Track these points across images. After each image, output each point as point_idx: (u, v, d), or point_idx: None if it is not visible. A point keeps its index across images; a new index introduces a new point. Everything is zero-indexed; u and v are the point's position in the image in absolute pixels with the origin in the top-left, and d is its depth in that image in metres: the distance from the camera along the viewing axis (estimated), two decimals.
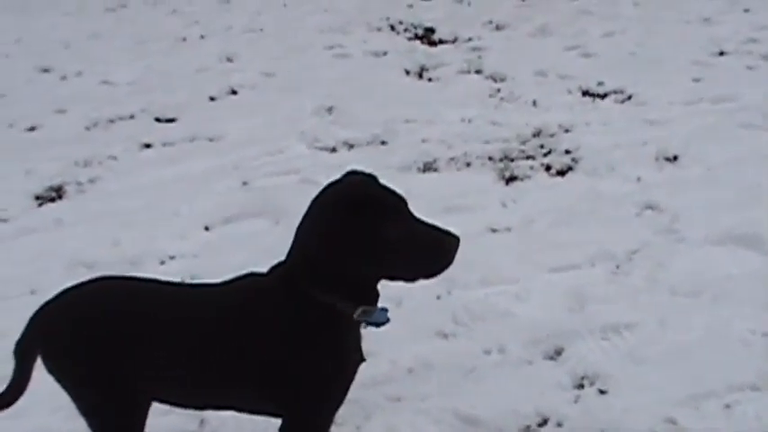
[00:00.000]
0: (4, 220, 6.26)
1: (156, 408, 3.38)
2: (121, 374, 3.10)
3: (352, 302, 2.97)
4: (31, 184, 6.77)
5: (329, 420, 3.20)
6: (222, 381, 3.09)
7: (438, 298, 4.79)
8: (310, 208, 2.96)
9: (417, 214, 2.93)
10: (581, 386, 4.09)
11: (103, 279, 3.29)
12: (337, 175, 3.01)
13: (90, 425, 3.26)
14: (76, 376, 3.17)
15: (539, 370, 4.22)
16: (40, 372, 3.22)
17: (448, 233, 2.93)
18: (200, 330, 3.06)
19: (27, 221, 6.22)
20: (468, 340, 4.46)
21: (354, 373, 3.19)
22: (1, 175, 6.96)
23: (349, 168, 3.10)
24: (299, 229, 2.98)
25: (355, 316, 3.00)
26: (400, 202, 2.93)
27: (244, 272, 3.19)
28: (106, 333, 3.07)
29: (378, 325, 3.13)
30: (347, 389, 3.17)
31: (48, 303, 3.19)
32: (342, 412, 3.90)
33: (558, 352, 4.31)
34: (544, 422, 3.91)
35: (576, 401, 4.00)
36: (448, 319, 4.61)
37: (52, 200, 6.57)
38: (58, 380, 3.20)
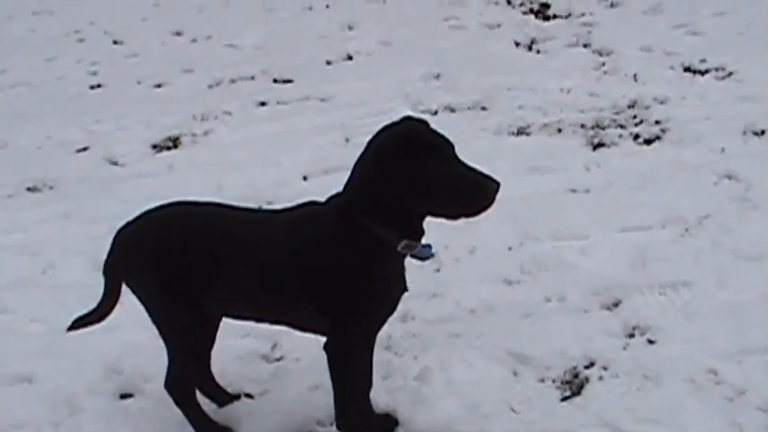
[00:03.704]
0: (122, 165, 6.72)
1: (232, 330, 3.75)
2: (193, 290, 3.45)
3: (397, 235, 3.26)
4: (150, 134, 7.25)
5: (369, 338, 3.51)
6: (280, 296, 3.42)
7: (509, 249, 5.03)
8: (367, 146, 3.27)
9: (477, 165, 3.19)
10: (631, 335, 4.27)
11: (179, 204, 3.64)
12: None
13: (164, 337, 3.63)
14: (151, 291, 3.53)
15: (593, 318, 4.41)
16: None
17: (489, 177, 3.20)
18: (264, 251, 3.39)
19: (142, 167, 6.69)
20: (531, 288, 4.69)
21: (397, 300, 3.49)
22: (124, 126, 7.47)
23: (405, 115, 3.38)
24: (356, 163, 3.30)
25: (399, 247, 3.29)
26: (448, 145, 3.22)
27: (305, 200, 3.53)
28: (180, 251, 3.43)
29: (422, 259, 3.42)
30: (388, 313, 3.47)
31: (128, 224, 3.57)
32: (402, 344, 4.26)
33: (615, 304, 4.48)
34: (591, 365, 4.11)
35: (624, 348, 4.18)
36: (515, 267, 4.83)
37: (168, 148, 7.02)
38: (137, 295, 3.58)
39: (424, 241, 3.38)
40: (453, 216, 3.27)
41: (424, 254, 3.41)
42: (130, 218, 3.60)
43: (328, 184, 5.81)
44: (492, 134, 6.52)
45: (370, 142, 3.28)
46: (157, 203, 3.64)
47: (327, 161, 6.25)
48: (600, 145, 6.19)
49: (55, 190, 6.51)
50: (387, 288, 3.41)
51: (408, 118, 3.35)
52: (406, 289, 3.52)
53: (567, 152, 6.11)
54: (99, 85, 8.87)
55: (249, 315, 3.61)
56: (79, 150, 7.15)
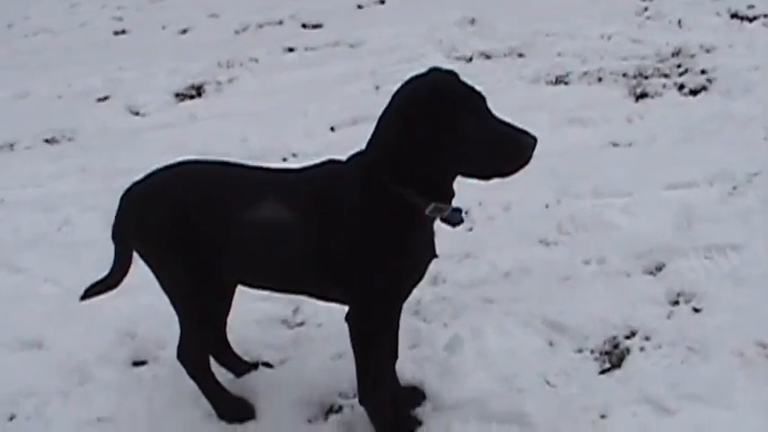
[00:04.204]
0: (143, 115, 6.54)
1: (251, 294, 3.52)
2: (203, 256, 3.22)
3: (425, 197, 2.99)
4: (173, 82, 7.07)
5: (394, 310, 3.27)
6: (296, 264, 3.18)
7: (546, 207, 4.78)
8: (392, 100, 2.99)
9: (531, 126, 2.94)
10: (676, 302, 4.01)
11: (190, 162, 3.40)
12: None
13: (174, 306, 3.42)
14: (159, 257, 3.32)
15: (635, 283, 4.15)
16: None
17: (525, 132, 2.90)
18: (280, 214, 3.14)
19: (164, 117, 6.51)
20: (570, 249, 4.43)
21: (425, 268, 3.23)
22: (147, 73, 7.30)
23: (431, 66, 3.09)
24: (380, 119, 3.02)
25: (427, 211, 3.02)
26: (479, 98, 2.92)
27: (325, 158, 3.26)
28: (189, 214, 3.19)
29: (452, 224, 3.14)
30: (415, 281, 3.21)
31: (135, 185, 3.33)
32: (433, 308, 4.02)
33: (659, 267, 4.22)
34: (632, 334, 3.85)
35: (668, 317, 3.92)
36: (552, 227, 4.58)
37: (191, 97, 6.84)
38: (145, 261, 3.36)
39: (454, 203, 3.11)
40: (486, 176, 2.98)
41: (455, 218, 3.14)
42: (138, 178, 3.36)
43: (357, 136, 5.60)
44: (529, 83, 6.29)
45: (394, 96, 3.00)
46: (171, 161, 3.41)
47: (356, 111, 6.03)
48: (643, 95, 5.92)
49: (74, 141, 6.36)
50: (414, 255, 3.15)
51: (435, 69, 3.06)
52: (435, 255, 3.26)
53: (607, 103, 5.84)
54: (123, 32, 8.72)
55: (265, 284, 3.39)
56: (100, 100, 7.01)
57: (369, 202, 3.03)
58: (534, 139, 2.90)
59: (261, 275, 3.33)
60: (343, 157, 3.18)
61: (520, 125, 2.93)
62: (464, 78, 3.00)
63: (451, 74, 3.01)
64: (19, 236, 5.11)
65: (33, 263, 4.82)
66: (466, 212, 3.23)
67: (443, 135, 2.85)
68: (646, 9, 7.36)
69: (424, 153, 2.88)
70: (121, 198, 3.35)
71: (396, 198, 2.99)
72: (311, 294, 3.37)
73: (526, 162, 2.93)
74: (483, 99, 2.93)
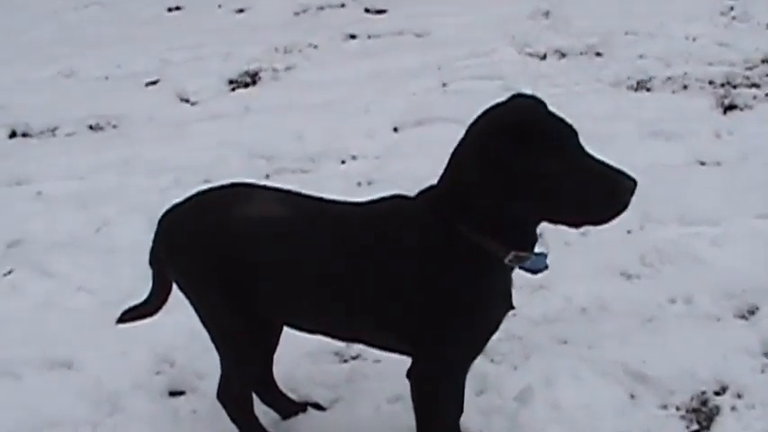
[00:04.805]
0: (193, 104, 6.29)
1: None
2: (247, 293, 2.89)
3: (504, 245, 2.63)
4: (227, 67, 6.80)
5: (463, 368, 2.91)
6: (354, 309, 2.84)
7: (628, 232, 4.40)
8: (468, 132, 2.62)
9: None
10: None
11: (239, 185, 3.06)
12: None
13: (214, 341, 3.11)
14: (198, 291, 3.00)
15: (726, 329, 3.77)
16: None
17: (623, 173, 2.54)
18: (334, 255, 2.81)
19: (215, 106, 6.23)
20: (654, 284, 4.06)
21: (500, 321, 2.87)
22: (201, 56, 7.08)
23: (516, 92, 2.75)
24: (453, 153, 2.65)
25: (506, 260, 2.65)
26: (570, 131, 2.55)
27: (390, 193, 2.90)
28: (232, 247, 2.85)
29: (534, 272, 2.78)
30: (488, 337, 2.85)
31: (175, 206, 3.01)
32: (502, 348, 3.67)
33: (752, 311, 3.85)
34: (722, 390, 3.48)
35: (762, 371, 3.55)
36: (635, 258, 4.21)
37: (246, 85, 6.57)
38: (183, 292, 3.05)
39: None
40: (576, 223, 2.64)
41: (538, 265, 2.78)
42: (179, 199, 3.04)
43: (421, 139, 5.40)
44: (609, 86, 5.93)
45: (471, 126, 2.62)
46: (210, 185, 3.11)
47: (421, 111, 5.73)
48: (731, 107, 5.55)
49: (119, 129, 6.09)
50: (487, 309, 2.79)
51: (518, 95, 2.69)
52: (511, 307, 2.88)
53: (694, 114, 5.46)
54: (177, 8, 8.44)
55: (317, 329, 3.04)
56: (149, 84, 6.74)
57: (438, 247, 2.67)
58: (634, 182, 2.54)
59: (314, 321, 3.00)
60: (411, 193, 2.83)
61: (617, 165, 2.56)
62: (552, 108, 2.63)
63: (537, 101, 2.64)
64: (54, 235, 4.82)
65: (67, 268, 4.51)
66: (548, 265, 2.81)
67: (527, 177, 2.47)
68: (731, 8, 6.98)
69: (504, 197, 2.51)
70: (159, 221, 3.03)
71: (469, 244, 2.62)
72: (369, 343, 3.03)
73: (623, 209, 2.57)
74: (575, 133, 2.56)
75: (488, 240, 2.61)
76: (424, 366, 2.84)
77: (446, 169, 2.67)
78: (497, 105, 2.63)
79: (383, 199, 2.87)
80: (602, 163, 2.54)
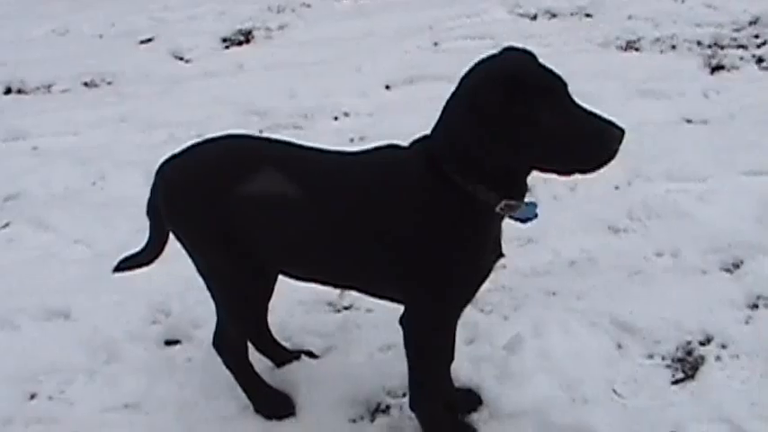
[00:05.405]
0: (187, 61, 6.33)
1: None
2: (243, 242, 2.94)
3: (495, 193, 2.68)
4: (221, 26, 6.84)
5: (454, 315, 2.97)
6: (350, 256, 2.90)
7: (616, 188, 4.48)
8: (460, 84, 2.67)
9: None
10: (755, 306, 3.70)
11: (234, 137, 3.12)
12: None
13: (211, 291, 3.16)
14: (195, 240, 3.05)
15: (711, 282, 3.84)
16: None
17: (611, 123, 2.60)
18: (331, 204, 2.86)
19: (209, 64, 6.27)
20: (641, 239, 4.13)
21: (490, 269, 2.93)
22: (195, 14, 7.13)
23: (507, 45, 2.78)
24: (446, 104, 2.70)
25: (498, 208, 2.71)
26: (560, 84, 2.60)
27: (384, 143, 2.94)
28: (229, 196, 2.90)
29: (523, 221, 2.84)
30: (479, 284, 2.92)
31: (172, 157, 3.05)
32: (492, 299, 3.74)
33: (737, 264, 3.92)
34: (707, 341, 3.55)
35: (746, 322, 3.62)
36: (623, 212, 4.28)
37: (239, 44, 6.62)
38: (180, 241, 3.09)
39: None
40: (566, 171, 2.70)
41: (527, 214, 2.83)
42: (177, 150, 3.07)
43: (413, 96, 5.43)
44: (598, 47, 6.00)
45: (463, 79, 2.67)
46: (207, 136, 3.12)
47: (413, 68, 5.79)
48: (719, 67, 5.61)
49: (113, 86, 6.14)
50: (479, 257, 2.84)
51: (509, 49, 2.74)
52: (501, 255, 2.95)
53: (682, 74, 5.53)
54: None
55: (311, 276, 3.10)
56: (143, 41, 6.80)
57: (432, 196, 2.72)
58: (622, 132, 2.61)
59: (309, 269, 3.06)
60: (404, 142, 2.87)
61: (605, 115, 2.63)
62: (542, 61, 2.68)
63: (528, 55, 2.69)
64: (50, 189, 4.88)
65: (64, 221, 4.56)
66: (537, 214, 2.87)
67: (519, 127, 2.53)
68: None
69: (497, 146, 2.56)
70: (156, 173, 3.07)
71: (462, 192, 2.68)
72: (362, 290, 3.08)
73: (611, 157, 2.64)
74: (564, 85, 2.61)
75: (481, 189, 2.66)
76: (416, 313, 2.90)
77: (439, 120, 2.72)
78: (489, 58, 2.68)
79: (378, 149, 2.92)
80: (592, 113, 2.61)
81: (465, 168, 2.64)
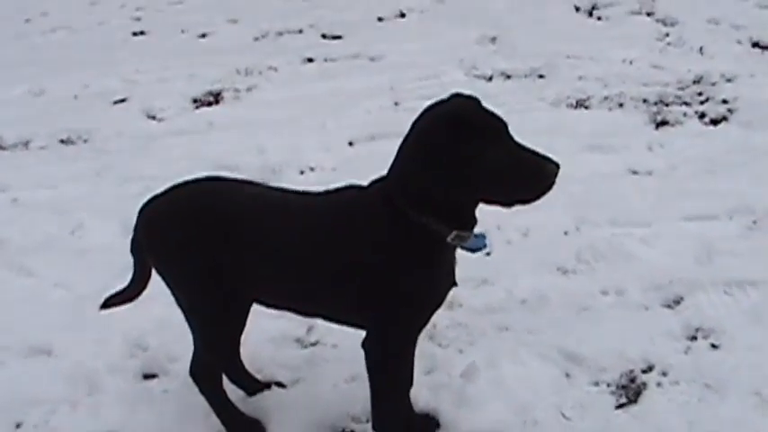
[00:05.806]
0: (159, 120, 6.50)
1: (265, 311, 3.43)
2: (221, 276, 3.16)
3: (446, 225, 2.95)
4: (192, 87, 7.03)
5: (412, 338, 3.21)
6: (315, 286, 3.14)
7: (565, 233, 4.74)
8: (412, 127, 2.95)
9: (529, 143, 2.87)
10: (693, 338, 3.95)
11: (211, 179, 3.35)
12: (487, 104, 2.96)
13: (189, 323, 3.36)
14: (176, 275, 3.26)
15: (653, 316, 4.10)
16: None
17: (548, 159, 2.87)
18: (299, 239, 3.10)
19: (181, 123, 6.46)
20: (588, 279, 4.38)
21: (444, 295, 3.18)
22: (166, 77, 7.27)
23: (453, 91, 3.04)
24: (400, 146, 2.98)
25: (449, 239, 2.97)
26: (501, 124, 2.88)
27: (345, 183, 3.21)
28: (208, 234, 3.13)
29: (473, 251, 3.09)
30: (434, 310, 3.17)
31: (154, 198, 3.28)
32: (448, 334, 3.98)
33: (677, 301, 4.17)
34: (649, 369, 3.80)
35: (685, 352, 3.87)
36: (571, 255, 4.52)
37: (209, 104, 6.80)
38: (161, 276, 3.30)
39: (476, 230, 3.07)
40: (508, 203, 2.95)
41: (477, 244, 3.09)
42: (158, 191, 3.31)
43: (374, 152, 5.69)
44: (550, 105, 6.25)
45: (414, 123, 2.96)
46: (188, 169, 3.35)
47: (375, 126, 6.00)
48: (663, 123, 5.89)
49: (89, 144, 6.30)
50: (434, 284, 3.11)
51: (456, 95, 3.01)
52: (454, 284, 3.21)
53: (628, 129, 5.81)
54: (142, 32, 8.70)
55: (282, 305, 3.34)
56: (117, 102, 6.96)
57: (388, 228, 2.98)
58: (557, 166, 2.87)
59: (280, 298, 3.29)
60: (364, 182, 3.15)
61: (543, 151, 2.90)
62: (486, 104, 2.95)
63: (473, 99, 2.97)
64: (31, 238, 5.04)
65: (44, 267, 4.75)
66: (486, 244, 3.14)
67: (465, 164, 2.80)
68: (667, 35, 7.36)
69: (445, 182, 2.83)
70: (140, 211, 3.30)
71: (416, 225, 2.94)
72: (328, 318, 3.32)
73: (549, 188, 2.89)
74: (505, 125, 2.89)
75: (432, 221, 2.93)
76: (377, 336, 3.16)
77: (394, 160, 3.00)
78: (438, 103, 2.97)
79: (340, 189, 3.19)
80: (530, 150, 2.88)
81: (416, 203, 2.91)
